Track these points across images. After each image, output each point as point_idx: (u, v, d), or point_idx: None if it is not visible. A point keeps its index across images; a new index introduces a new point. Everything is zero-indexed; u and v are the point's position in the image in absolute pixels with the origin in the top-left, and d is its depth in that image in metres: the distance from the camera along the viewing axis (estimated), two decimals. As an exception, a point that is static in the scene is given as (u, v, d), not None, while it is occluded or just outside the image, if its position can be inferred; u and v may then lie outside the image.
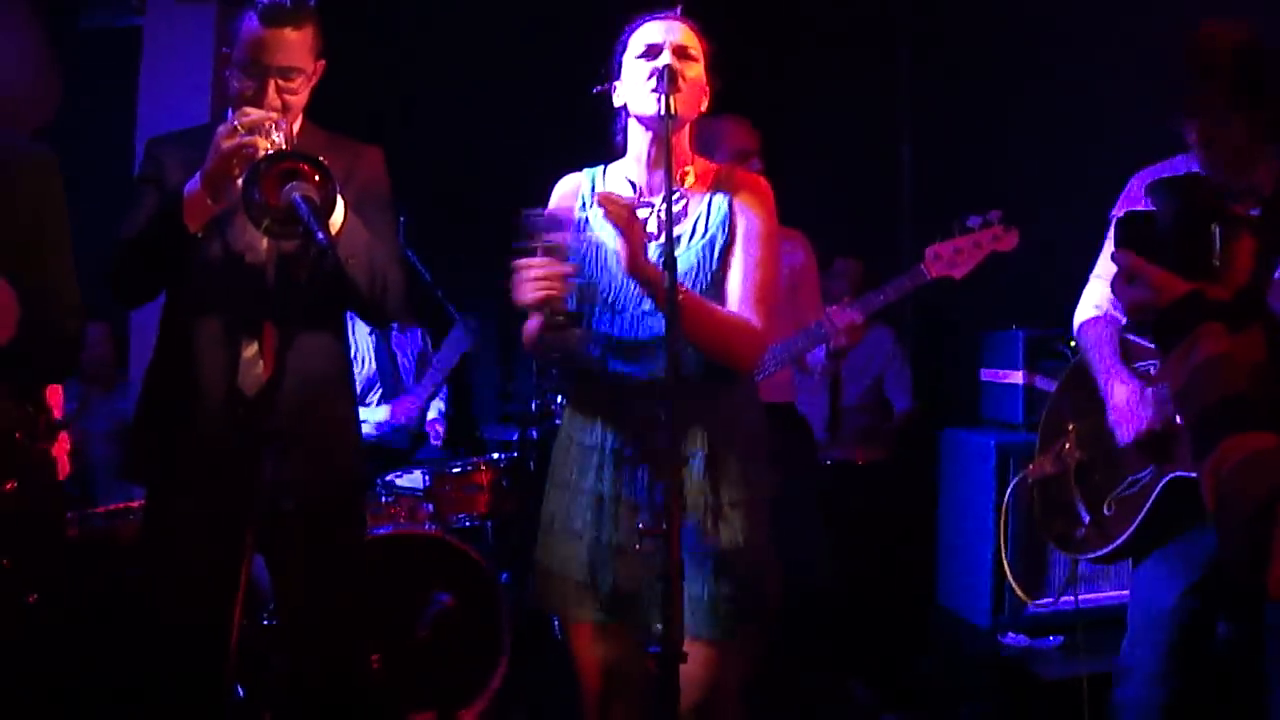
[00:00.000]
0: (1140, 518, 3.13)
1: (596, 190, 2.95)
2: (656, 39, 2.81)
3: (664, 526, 2.34)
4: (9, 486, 2.36)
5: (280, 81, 2.98)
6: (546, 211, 2.78)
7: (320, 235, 2.51)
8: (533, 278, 2.62)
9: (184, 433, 3.02)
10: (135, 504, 4.49)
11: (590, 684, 2.91)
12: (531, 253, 2.63)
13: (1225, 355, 1.65)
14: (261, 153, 2.74)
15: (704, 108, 2.89)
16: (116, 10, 6.53)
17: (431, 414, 5.95)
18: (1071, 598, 4.42)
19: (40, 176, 2.67)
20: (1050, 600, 4.72)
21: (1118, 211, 3.18)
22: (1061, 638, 4.69)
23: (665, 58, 2.76)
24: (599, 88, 2.92)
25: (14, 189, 2.55)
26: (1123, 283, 1.81)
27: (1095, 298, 3.40)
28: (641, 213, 2.78)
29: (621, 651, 2.86)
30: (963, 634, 4.97)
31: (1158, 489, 3.09)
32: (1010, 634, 4.77)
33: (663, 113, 2.65)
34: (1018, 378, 5.02)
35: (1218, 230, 1.73)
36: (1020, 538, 4.66)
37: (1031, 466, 3.52)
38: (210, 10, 6.11)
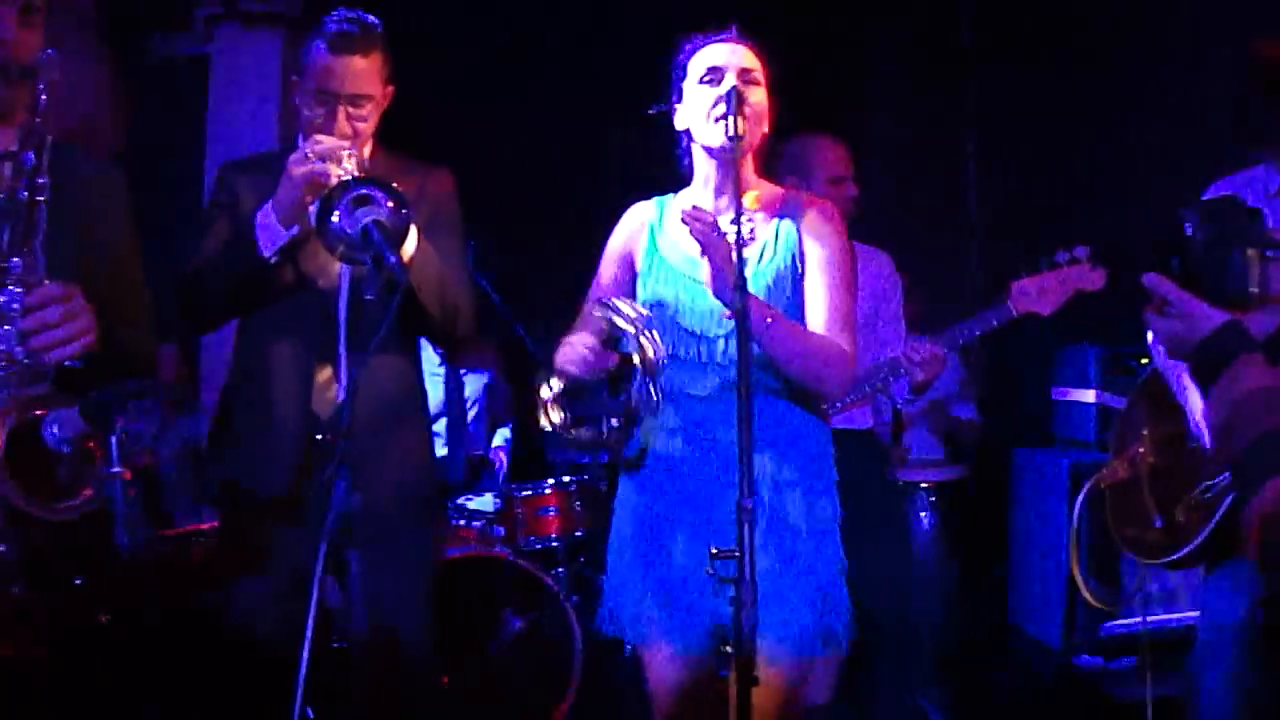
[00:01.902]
0: (1213, 523, 3.08)
1: (665, 220, 2.95)
2: (719, 62, 2.79)
3: (735, 550, 2.33)
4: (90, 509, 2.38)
5: (350, 109, 3.00)
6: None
7: (392, 260, 2.53)
8: (573, 352, 2.68)
9: (258, 456, 3.04)
10: (206, 526, 4.54)
11: (662, 708, 2.89)
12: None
13: (1267, 389, 1.54)
14: (334, 180, 2.76)
15: (765, 130, 2.85)
16: (185, 39, 6.60)
17: (498, 440, 5.98)
18: (1143, 618, 4.36)
19: (110, 196, 2.70)
20: (1125, 621, 4.66)
21: None
22: (1135, 658, 4.63)
23: (730, 81, 2.73)
24: (657, 108, 2.91)
25: (85, 208, 2.57)
26: (1156, 313, 1.70)
27: None
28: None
29: (694, 675, 2.83)
30: (1035, 655, 4.93)
31: (1232, 495, 3.04)
32: (1084, 655, 4.71)
33: (731, 135, 2.62)
34: (1090, 396, 4.96)
35: (1254, 256, 1.62)
36: (1093, 553, 4.60)
37: (1104, 471, 3.49)
38: (277, 37, 6.17)
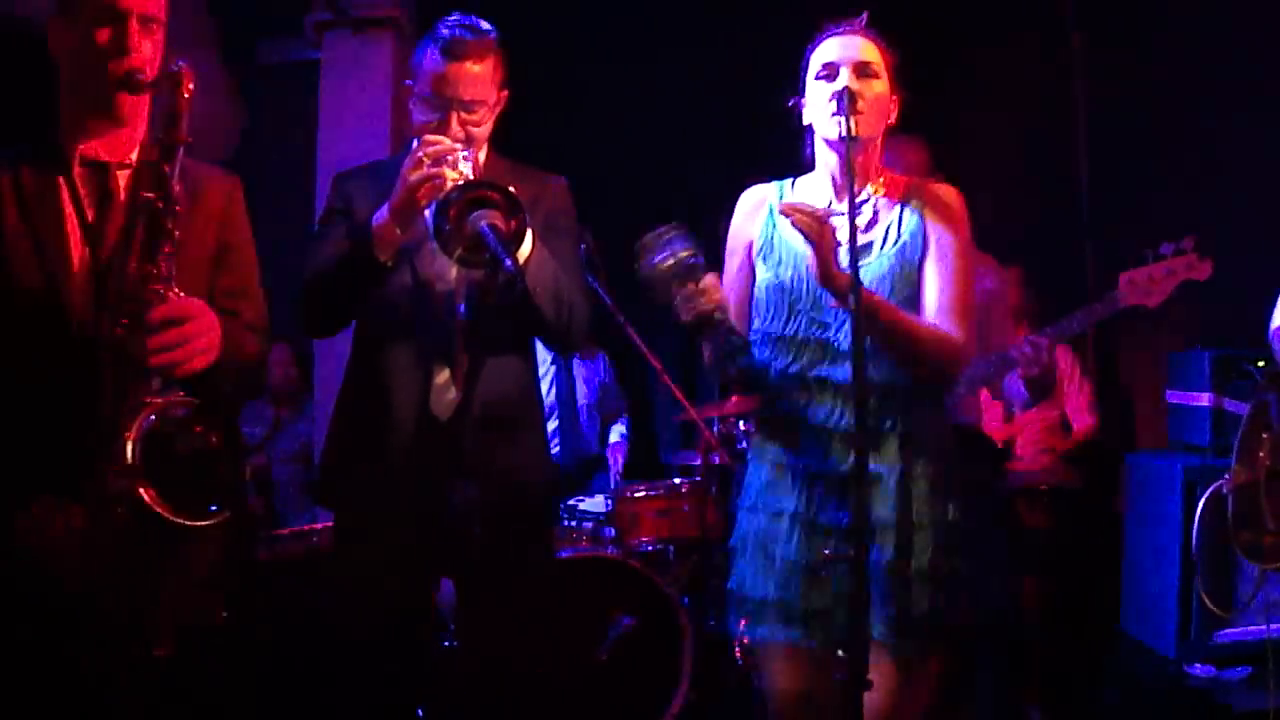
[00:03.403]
0: None
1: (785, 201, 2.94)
2: (833, 58, 2.77)
3: (851, 551, 2.32)
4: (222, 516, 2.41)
5: (464, 114, 2.99)
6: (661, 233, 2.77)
7: (508, 263, 2.54)
8: (683, 299, 2.65)
9: (376, 458, 3.05)
10: (320, 525, 4.60)
11: (777, 707, 2.88)
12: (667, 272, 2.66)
13: None
14: (449, 184, 2.77)
15: (892, 120, 2.84)
16: (294, 44, 6.70)
17: (614, 437, 6.00)
18: (1267, 626, 4.27)
19: (228, 202, 2.74)
20: (1239, 629, 4.58)
21: None
22: (1250, 668, 4.54)
23: (843, 79, 2.72)
24: (794, 100, 2.89)
25: (206, 215, 2.62)
26: None
27: None
28: (832, 221, 2.75)
29: (810, 675, 2.82)
30: (1147, 663, 4.86)
31: None
32: (1197, 664, 4.64)
33: (844, 135, 2.62)
34: (1205, 400, 4.88)
35: None
36: (1208, 560, 4.52)
37: (1227, 476, 3.46)
38: (387, 42, 6.24)
